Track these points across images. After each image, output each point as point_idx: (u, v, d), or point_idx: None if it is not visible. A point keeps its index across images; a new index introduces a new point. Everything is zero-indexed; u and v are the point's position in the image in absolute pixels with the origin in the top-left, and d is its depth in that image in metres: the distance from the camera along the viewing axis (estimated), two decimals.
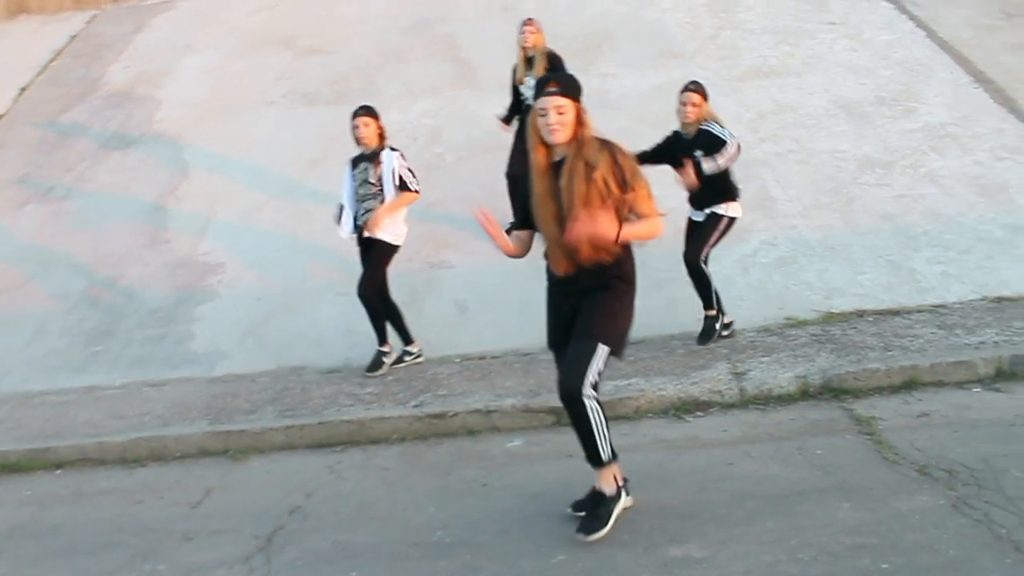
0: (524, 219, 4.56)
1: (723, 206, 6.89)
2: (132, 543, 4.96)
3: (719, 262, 7.83)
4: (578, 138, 4.27)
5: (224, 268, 8.56)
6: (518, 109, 8.45)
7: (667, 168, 6.83)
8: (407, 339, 7.04)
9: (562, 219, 4.28)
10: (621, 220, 4.28)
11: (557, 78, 4.31)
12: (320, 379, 6.91)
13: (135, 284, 8.51)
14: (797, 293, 7.47)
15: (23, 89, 12.52)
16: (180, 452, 6.13)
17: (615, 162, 4.27)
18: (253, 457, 6.02)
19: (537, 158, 4.36)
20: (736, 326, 7.06)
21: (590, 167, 4.23)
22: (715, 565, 4.06)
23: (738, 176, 8.93)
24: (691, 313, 7.01)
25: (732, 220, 6.93)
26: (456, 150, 9.84)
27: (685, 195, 6.93)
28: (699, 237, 6.89)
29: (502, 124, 8.58)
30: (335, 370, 7.07)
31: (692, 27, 11.97)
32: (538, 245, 4.58)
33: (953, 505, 4.39)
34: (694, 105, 6.76)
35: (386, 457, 5.78)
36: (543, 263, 8.08)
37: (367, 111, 6.96)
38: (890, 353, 6.29)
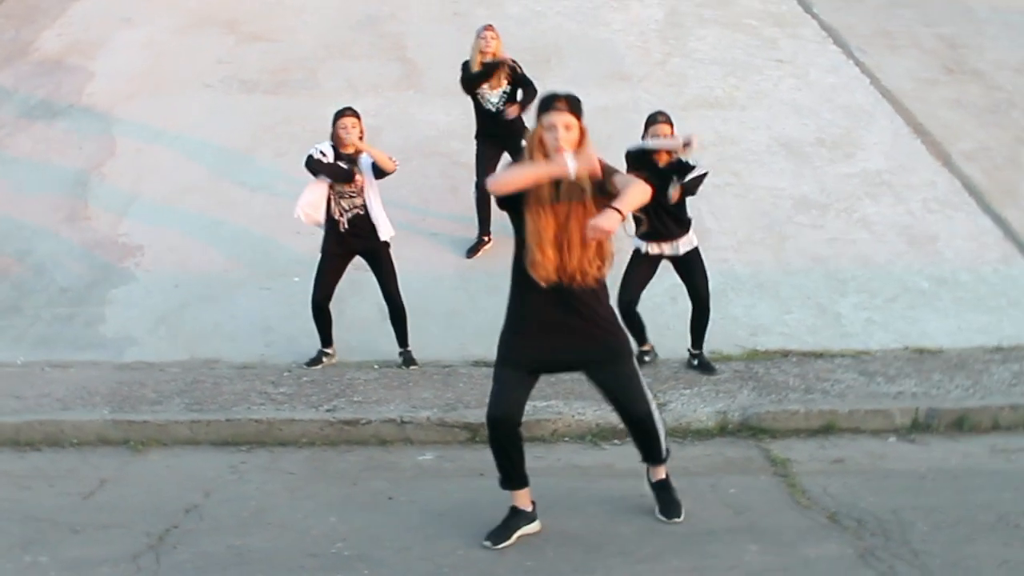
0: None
1: (691, 235, 6.78)
2: (13, 531, 4.70)
3: (649, 289, 7.80)
4: (579, 154, 4.24)
5: (143, 251, 8.26)
6: (482, 115, 8.29)
7: None
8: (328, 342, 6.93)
9: (559, 237, 4.26)
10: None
11: (565, 96, 4.31)
12: (233, 374, 6.69)
13: (48, 260, 8.17)
14: (723, 327, 7.44)
15: None
16: (77, 439, 5.86)
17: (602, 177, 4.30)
18: (154, 450, 5.78)
19: (539, 168, 4.27)
20: (660, 356, 7.02)
21: (583, 190, 4.26)
22: None
23: None
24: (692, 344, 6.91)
25: None
26: (394, 152, 9.41)
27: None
28: (698, 273, 6.76)
29: (515, 108, 8.21)
30: (249, 366, 6.85)
31: (642, 51, 11.96)
32: None
33: (860, 555, 4.38)
34: (666, 136, 6.58)
35: (292, 461, 5.60)
36: (470, 274, 8.06)
37: (354, 112, 6.80)
38: (810, 396, 6.30)
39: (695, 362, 6.83)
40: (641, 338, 6.79)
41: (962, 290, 7.94)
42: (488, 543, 4.50)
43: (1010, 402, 6.18)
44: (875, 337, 7.31)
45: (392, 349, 6.98)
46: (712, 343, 7.22)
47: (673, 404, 6.18)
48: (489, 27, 8.27)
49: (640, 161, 6.51)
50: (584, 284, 4.32)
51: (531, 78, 8.28)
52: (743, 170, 9.62)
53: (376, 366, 6.82)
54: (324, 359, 6.89)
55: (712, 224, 8.72)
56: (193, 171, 9.39)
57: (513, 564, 4.29)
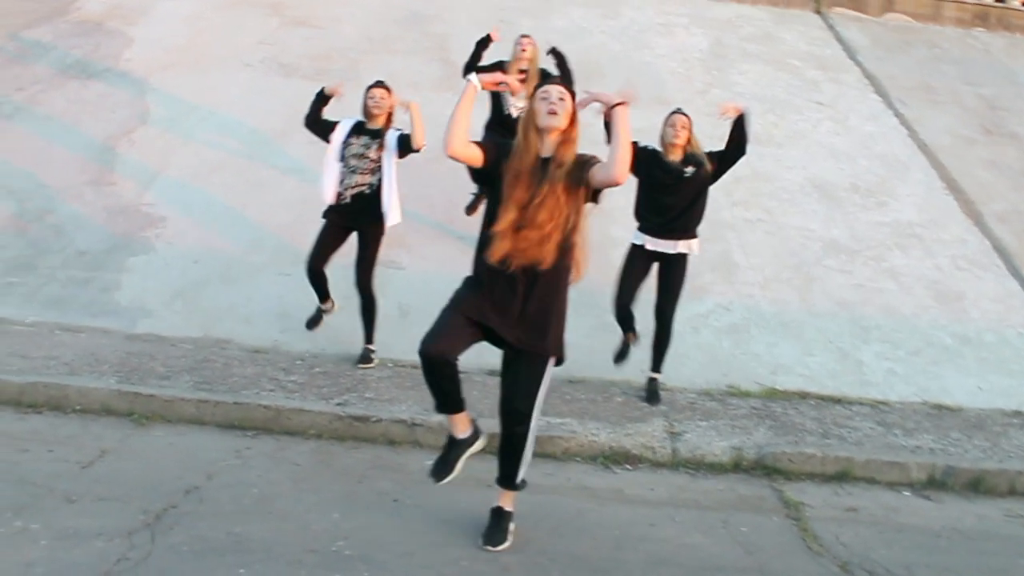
0: (487, 163, 4.35)
1: (695, 243, 6.63)
2: (7, 494, 4.58)
3: None
4: (567, 136, 4.25)
5: (166, 223, 8.15)
6: (500, 122, 8.20)
7: None
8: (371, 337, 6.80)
9: (526, 210, 4.21)
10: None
11: (559, 77, 4.34)
12: (244, 357, 6.57)
13: (68, 221, 8.07)
14: (744, 363, 7.33)
15: None
16: (81, 406, 5.74)
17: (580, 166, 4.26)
18: (158, 425, 5.66)
19: (530, 141, 4.25)
20: (678, 385, 6.91)
21: (564, 173, 4.22)
22: None
23: (703, 235, 8.87)
24: (636, 361, 6.81)
25: None
26: (426, 151, 9.54)
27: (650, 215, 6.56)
28: (673, 286, 6.58)
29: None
30: (261, 351, 6.73)
31: (684, 78, 11.88)
32: None
33: None
34: (683, 127, 6.49)
35: (298, 452, 5.47)
36: None
37: (385, 85, 6.74)
38: (827, 441, 6.17)
39: (648, 387, 6.65)
40: (659, 364, 6.68)
41: (986, 350, 7.82)
42: (433, 479, 4.53)
43: None
44: (895, 388, 7.18)
45: (408, 348, 6.83)
46: (731, 377, 7.13)
47: (688, 435, 6.06)
48: (527, 36, 8.18)
49: (651, 160, 6.45)
50: (538, 272, 4.25)
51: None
52: (775, 208, 9.51)
53: (390, 364, 6.70)
54: (324, 316, 6.80)
55: (740, 259, 8.61)
56: (224, 149, 9.30)
57: None
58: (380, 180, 6.56)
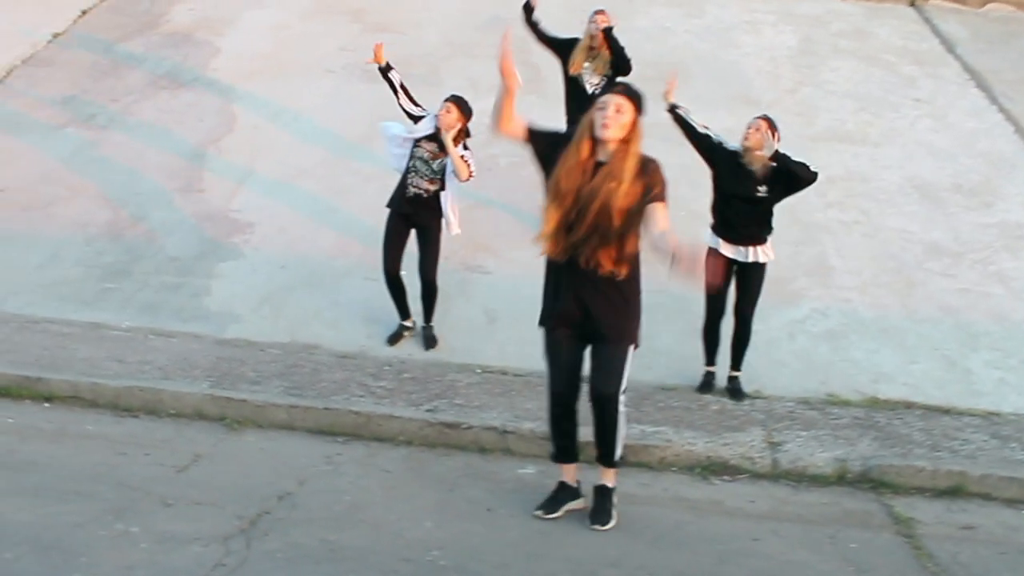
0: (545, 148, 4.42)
1: (768, 249, 6.46)
2: (107, 496, 4.59)
3: (765, 322, 7.45)
4: (627, 147, 4.26)
5: (253, 229, 8.18)
6: (576, 100, 8.05)
7: None
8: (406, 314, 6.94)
9: (577, 212, 4.25)
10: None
11: (625, 84, 4.42)
12: (333, 362, 6.52)
13: (160, 227, 8.15)
14: (843, 370, 7.06)
15: (84, 12, 12.19)
16: (175, 410, 5.76)
17: (648, 179, 4.28)
18: (250, 430, 5.64)
19: (582, 147, 4.27)
20: (775, 392, 6.67)
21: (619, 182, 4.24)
22: None
23: (797, 238, 8.63)
24: (727, 368, 6.63)
25: None
26: (511, 155, 9.41)
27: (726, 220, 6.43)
28: (752, 289, 6.46)
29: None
30: (349, 356, 6.67)
31: (772, 76, 11.58)
32: None
33: None
34: (758, 129, 6.26)
35: (389, 458, 5.39)
36: None
37: (456, 101, 6.71)
38: (937, 453, 5.88)
39: (728, 385, 6.56)
40: (739, 362, 6.59)
41: None
42: (539, 512, 4.71)
43: None
44: (1008, 399, 6.82)
45: (496, 355, 6.76)
46: (830, 385, 6.87)
47: (789, 445, 5.83)
48: (601, 12, 8.04)
49: (729, 162, 6.34)
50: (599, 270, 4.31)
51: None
52: (872, 209, 9.18)
53: (478, 370, 6.59)
54: (405, 332, 6.87)
55: (837, 262, 8.32)
56: (309, 154, 9.32)
57: None
58: (439, 191, 6.66)
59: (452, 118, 6.57)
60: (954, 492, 5.57)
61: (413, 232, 6.85)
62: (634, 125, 4.26)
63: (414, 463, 5.35)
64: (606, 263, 4.29)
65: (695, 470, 5.60)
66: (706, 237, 6.48)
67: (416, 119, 6.85)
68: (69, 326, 6.78)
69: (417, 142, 6.71)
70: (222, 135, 9.64)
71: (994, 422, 6.45)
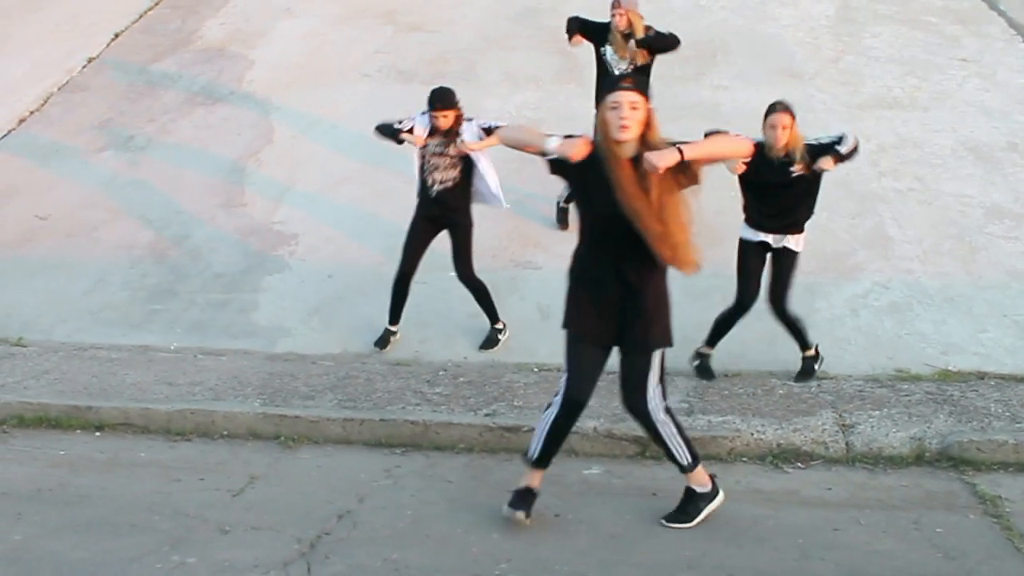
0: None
1: (801, 238, 6.22)
2: (163, 527, 4.50)
3: (827, 299, 7.23)
4: (645, 140, 4.14)
5: (298, 240, 8.10)
6: (606, 78, 7.86)
7: None
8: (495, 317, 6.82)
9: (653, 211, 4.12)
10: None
11: (631, 77, 4.36)
12: (386, 371, 6.40)
13: (204, 245, 8.09)
14: (910, 344, 6.79)
15: (117, 35, 12.22)
16: (228, 431, 5.67)
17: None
18: (305, 447, 5.53)
19: (614, 150, 4.14)
20: (841, 372, 6.44)
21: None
22: None
23: (853, 210, 8.35)
24: (791, 348, 6.41)
25: None
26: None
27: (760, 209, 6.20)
28: (783, 278, 6.21)
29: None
30: (403, 363, 6.55)
31: (813, 47, 11.27)
32: None
33: None
34: (784, 128, 5.95)
35: (450, 467, 5.25)
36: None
37: (443, 104, 6.47)
38: (1018, 425, 5.62)
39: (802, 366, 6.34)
40: (804, 343, 6.33)
41: None
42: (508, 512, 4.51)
43: None
44: None
45: (552, 351, 6.55)
46: (898, 360, 6.62)
47: (861, 427, 5.60)
48: (617, 3, 7.77)
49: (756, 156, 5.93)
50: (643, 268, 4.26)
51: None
52: (927, 175, 8.87)
53: (536, 369, 6.43)
54: (392, 338, 6.77)
55: (895, 232, 8.04)
56: (349, 161, 9.22)
57: None
58: (463, 173, 6.51)
59: (448, 120, 6.46)
60: None
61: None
62: (649, 117, 4.15)
63: (476, 471, 5.20)
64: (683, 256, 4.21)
65: (766, 459, 5.39)
66: (741, 230, 6.28)
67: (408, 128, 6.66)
68: (118, 351, 6.73)
69: (431, 136, 6.57)
70: (261, 147, 9.58)
71: None
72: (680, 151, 4.03)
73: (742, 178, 6.10)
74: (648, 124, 4.14)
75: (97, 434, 5.74)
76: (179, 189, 8.90)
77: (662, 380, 4.44)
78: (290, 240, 8.09)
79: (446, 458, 5.37)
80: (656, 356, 4.37)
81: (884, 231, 8.06)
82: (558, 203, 8.00)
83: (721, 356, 6.53)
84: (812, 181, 6.12)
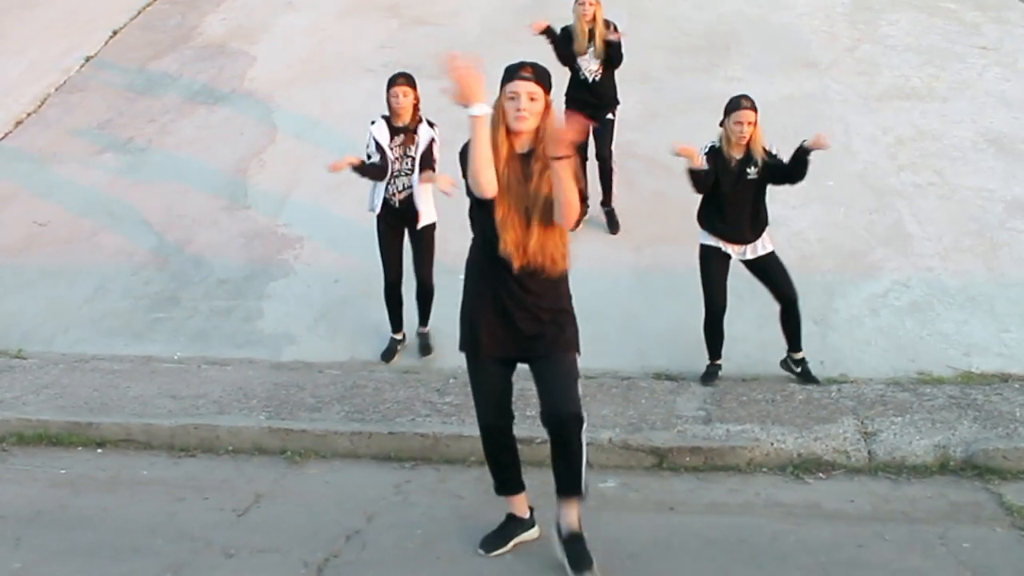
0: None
1: (768, 237, 6.11)
2: (166, 551, 4.35)
3: (845, 299, 7.05)
4: (542, 132, 3.88)
5: (302, 243, 7.94)
6: (575, 84, 7.75)
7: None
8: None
9: (528, 213, 3.88)
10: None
11: (531, 64, 3.97)
12: (395, 379, 6.24)
13: (206, 250, 7.93)
14: (932, 345, 6.62)
15: (115, 32, 12.05)
16: (233, 446, 5.52)
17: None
18: (312, 461, 5.37)
19: (502, 143, 3.89)
20: (862, 375, 6.27)
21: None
22: None
23: (871, 205, 8.16)
24: (811, 352, 6.28)
25: None
26: None
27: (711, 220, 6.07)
28: (778, 273, 6.08)
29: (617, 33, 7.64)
30: (412, 371, 6.40)
31: (828, 36, 11.05)
32: None
33: None
34: (749, 124, 5.82)
35: (461, 482, 5.09)
36: (648, 275, 7.44)
37: (407, 79, 6.47)
38: None
39: (798, 370, 6.18)
40: (798, 343, 6.17)
41: None
42: (481, 551, 4.29)
43: None
44: None
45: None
46: (920, 362, 6.45)
47: (884, 434, 5.43)
48: None
49: (715, 158, 5.91)
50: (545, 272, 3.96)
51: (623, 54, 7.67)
52: (947, 168, 8.67)
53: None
54: (399, 347, 6.66)
55: (914, 228, 7.84)
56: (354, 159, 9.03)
57: None
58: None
59: (409, 102, 6.41)
60: None
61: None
62: (547, 107, 3.90)
63: (487, 485, 4.98)
64: (558, 254, 3.95)
65: (787, 469, 5.22)
66: (700, 237, 6.14)
67: (375, 145, 6.58)
68: (120, 362, 6.60)
69: (390, 147, 6.45)
70: (264, 147, 9.41)
71: None
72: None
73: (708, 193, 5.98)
74: (546, 115, 3.89)
75: (99, 451, 5.60)
76: (180, 192, 8.74)
77: None
78: (295, 243, 7.94)
79: (457, 472, 5.22)
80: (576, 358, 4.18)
81: (903, 227, 7.87)
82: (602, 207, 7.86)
83: (738, 359, 6.37)
84: (762, 187, 5.99)
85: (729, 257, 6.06)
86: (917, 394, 6.00)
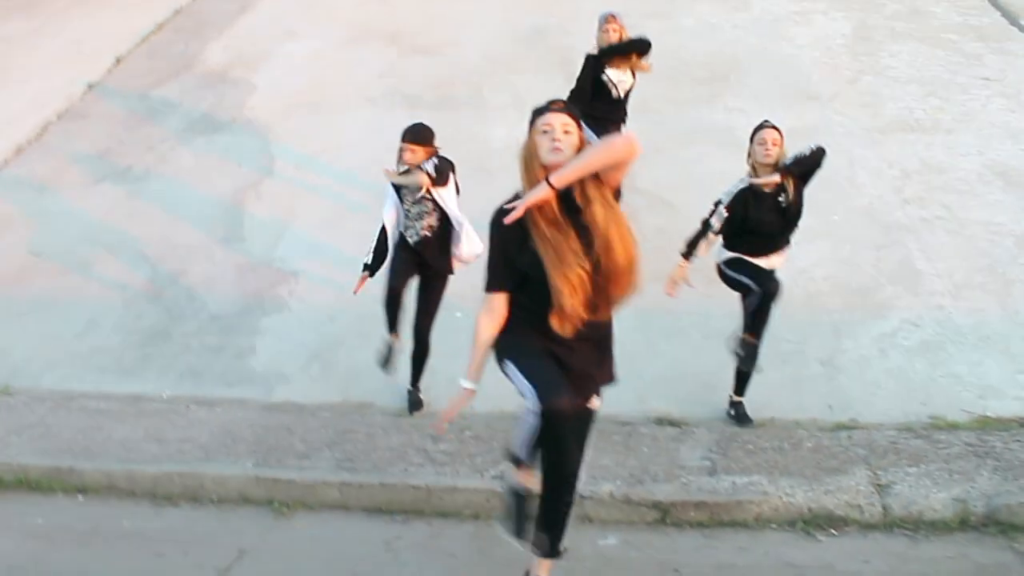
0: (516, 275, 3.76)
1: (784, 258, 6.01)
2: None
3: (854, 339, 6.85)
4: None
5: (298, 278, 7.75)
6: (605, 102, 7.62)
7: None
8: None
9: (592, 253, 3.66)
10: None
11: (561, 100, 3.82)
12: (387, 423, 6.03)
13: (200, 284, 7.75)
14: (945, 387, 6.40)
15: (119, 59, 11.97)
16: (218, 495, 5.32)
17: None
18: (300, 513, 5.16)
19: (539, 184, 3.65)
20: (873, 420, 6.05)
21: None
22: None
23: (878, 241, 7.97)
24: (819, 395, 6.07)
25: None
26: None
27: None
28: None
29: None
30: (405, 414, 6.19)
31: (830, 67, 10.91)
32: None
33: None
34: (775, 143, 5.69)
35: (454, 538, 4.88)
36: (647, 314, 7.24)
37: (415, 138, 5.97)
38: None
39: (731, 412, 6.03)
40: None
41: None
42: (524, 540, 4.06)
43: None
44: None
45: None
46: (933, 406, 6.23)
47: (898, 486, 5.21)
48: (612, 18, 7.57)
49: (745, 202, 5.70)
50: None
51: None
52: (954, 202, 8.49)
53: None
54: (393, 351, 6.22)
55: (923, 265, 7.65)
56: (352, 191, 8.89)
57: None
58: (442, 221, 5.96)
59: (418, 157, 5.93)
60: None
61: None
62: (582, 143, 3.75)
63: (481, 542, 4.83)
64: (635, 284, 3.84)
65: (797, 525, 5.01)
66: (722, 255, 5.97)
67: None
68: (107, 400, 6.39)
69: (401, 192, 6.08)
70: (262, 178, 9.26)
71: None
72: (549, 183, 3.60)
73: (728, 220, 5.78)
74: (581, 147, 3.73)
75: (80, 498, 5.40)
76: (177, 222, 8.58)
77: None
78: (290, 279, 7.75)
79: (450, 526, 5.01)
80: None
81: (912, 264, 7.68)
82: None
83: (748, 402, 6.17)
84: (796, 215, 5.82)
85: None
86: (932, 441, 5.78)
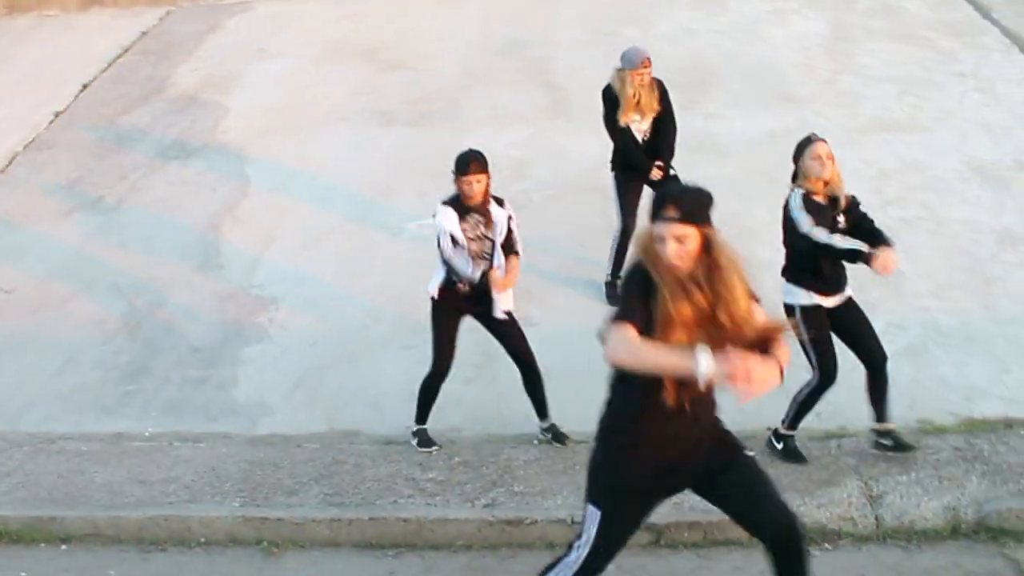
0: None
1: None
2: None
3: (837, 345, 6.81)
4: (708, 264, 3.45)
5: (278, 304, 7.67)
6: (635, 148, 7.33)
7: None
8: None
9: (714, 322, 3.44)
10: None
11: (678, 199, 3.45)
12: (376, 452, 5.96)
13: (179, 315, 7.65)
14: (931, 390, 6.40)
15: (85, 86, 11.85)
16: (205, 537, 5.23)
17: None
18: (290, 552, 5.10)
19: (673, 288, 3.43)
20: (861, 426, 6.01)
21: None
22: None
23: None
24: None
25: None
26: (544, 188, 8.89)
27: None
28: (868, 324, 5.76)
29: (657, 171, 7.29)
30: (394, 441, 6.10)
31: (807, 68, 10.93)
32: None
33: None
34: (830, 158, 5.38)
35: (448, 570, 4.83)
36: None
37: (479, 164, 5.61)
38: None
39: (887, 442, 5.66)
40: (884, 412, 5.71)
41: None
42: None
43: None
44: None
45: (555, 418, 6.12)
46: (920, 409, 6.22)
47: (890, 496, 5.20)
48: (647, 62, 7.11)
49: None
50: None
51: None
52: (934, 201, 8.51)
53: (536, 441, 6.01)
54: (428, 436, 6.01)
55: (906, 266, 7.55)
56: (330, 213, 8.82)
57: None
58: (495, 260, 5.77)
59: (482, 187, 5.64)
60: None
61: None
62: (705, 242, 3.44)
63: (476, 572, 4.78)
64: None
65: None
66: (793, 297, 5.61)
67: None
68: (88, 441, 6.28)
69: (463, 223, 5.71)
70: (237, 203, 9.18)
71: None
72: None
73: (788, 240, 5.51)
74: (708, 252, 3.44)
75: (63, 547, 5.29)
76: (152, 252, 8.47)
77: None
78: (269, 305, 7.67)
79: (443, 558, 4.95)
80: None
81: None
82: (606, 280, 7.44)
83: (733, 414, 6.11)
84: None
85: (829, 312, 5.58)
86: (920, 447, 5.75)
